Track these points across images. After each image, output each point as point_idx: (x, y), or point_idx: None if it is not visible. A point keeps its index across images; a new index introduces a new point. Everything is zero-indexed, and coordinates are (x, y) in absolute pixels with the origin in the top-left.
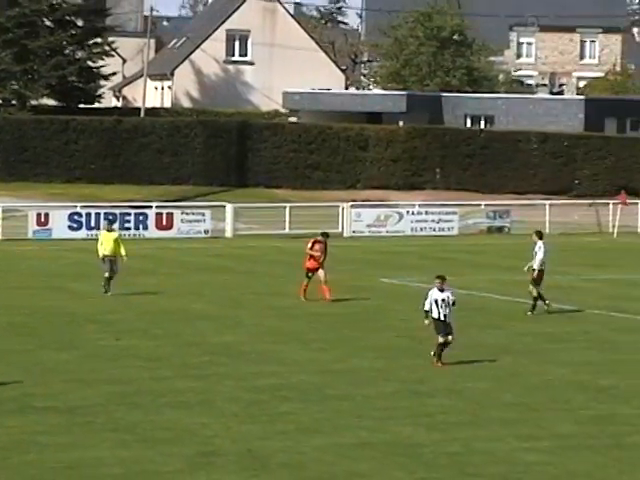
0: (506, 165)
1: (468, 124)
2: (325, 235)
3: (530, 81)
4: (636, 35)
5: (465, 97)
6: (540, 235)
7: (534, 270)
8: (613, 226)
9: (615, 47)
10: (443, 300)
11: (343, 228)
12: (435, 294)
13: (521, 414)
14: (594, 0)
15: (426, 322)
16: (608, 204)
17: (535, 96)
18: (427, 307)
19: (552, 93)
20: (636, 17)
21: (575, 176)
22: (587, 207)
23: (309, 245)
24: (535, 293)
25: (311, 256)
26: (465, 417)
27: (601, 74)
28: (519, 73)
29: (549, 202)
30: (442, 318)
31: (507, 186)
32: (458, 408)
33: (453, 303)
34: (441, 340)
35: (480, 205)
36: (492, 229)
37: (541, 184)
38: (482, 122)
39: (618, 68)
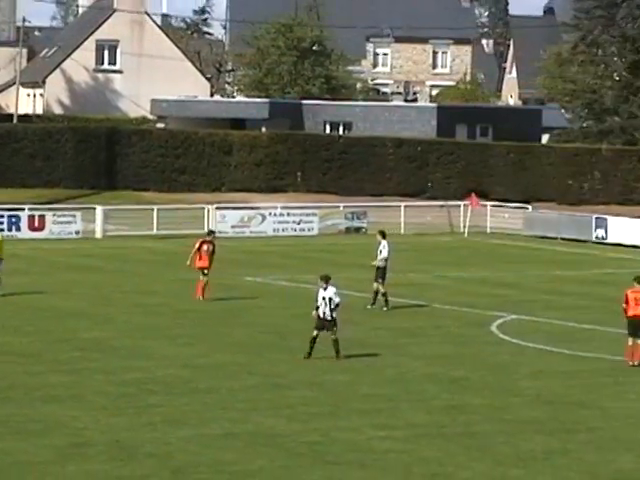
0: (363, 169)
1: (327, 130)
2: (211, 233)
3: (386, 89)
4: (485, 46)
5: (324, 104)
6: (383, 234)
7: (378, 268)
8: (464, 226)
9: (465, 57)
10: (323, 298)
11: (209, 229)
12: (320, 292)
13: (378, 405)
14: (445, 13)
15: (313, 313)
16: (459, 205)
17: (390, 104)
18: (318, 302)
19: (406, 101)
20: (485, 29)
21: (428, 179)
22: (439, 208)
23: (197, 245)
24: (383, 289)
25: (201, 256)
26: (325, 408)
27: (452, 83)
28: (375, 82)
29: (404, 204)
30: (321, 315)
31: (364, 189)
32: (318, 400)
33: (336, 304)
34: (314, 333)
35: (339, 207)
36: (350, 229)
37: (396, 187)
38: (341, 128)
39: (468, 77)
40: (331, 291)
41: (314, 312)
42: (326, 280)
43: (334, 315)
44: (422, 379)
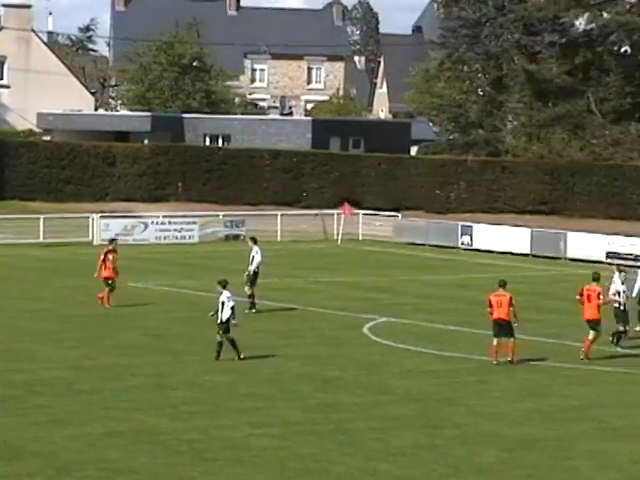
0: (242, 179)
1: (207, 142)
2: (113, 241)
3: (263, 103)
4: (357, 63)
5: (204, 118)
6: (254, 240)
7: (249, 271)
8: (337, 234)
9: (339, 73)
10: (219, 302)
11: (93, 237)
12: (219, 297)
13: (255, 404)
14: (319, 31)
15: (210, 313)
16: (333, 214)
17: (267, 117)
18: (218, 306)
19: (282, 114)
20: (357, 47)
21: (303, 189)
22: (314, 217)
23: (102, 256)
24: (249, 292)
25: (106, 266)
26: (205, 407)
27: (326, 97)
28: (253, 96)
29: (280, 212)
30: (217, 318)
31: (243, 198)
32: (199, 399)
33: (230, 308)
34: (217, 339)
35: (218, 215)
36: (229, 237)
37: (273, 196)
38: (220, 140)
39: (341, 92)
40: (224, 296)
41: (211, 312)
42: (222, 285)
43: (224, 319)
44: (297, 379)
